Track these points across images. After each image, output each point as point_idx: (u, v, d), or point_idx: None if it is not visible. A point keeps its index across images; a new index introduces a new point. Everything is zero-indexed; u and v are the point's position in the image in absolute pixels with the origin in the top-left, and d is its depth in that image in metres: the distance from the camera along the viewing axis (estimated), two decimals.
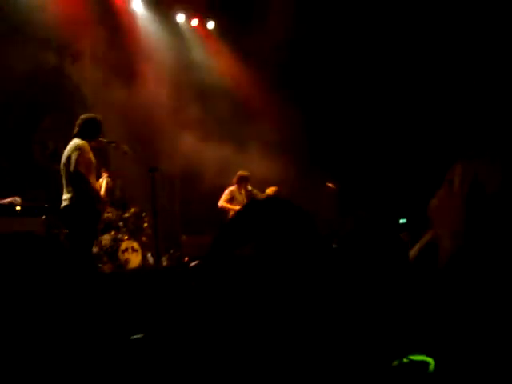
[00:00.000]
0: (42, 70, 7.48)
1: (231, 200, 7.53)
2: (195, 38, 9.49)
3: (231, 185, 7.70)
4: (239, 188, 7.65)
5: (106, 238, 6.79)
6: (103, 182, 5.48)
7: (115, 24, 8.49)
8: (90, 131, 4.98)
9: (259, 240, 1.34)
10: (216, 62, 9.42)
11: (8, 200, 6.20)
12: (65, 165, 4.87)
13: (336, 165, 8.83)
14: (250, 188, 7.62)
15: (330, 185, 8.24)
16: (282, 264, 1.30)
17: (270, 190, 7.77)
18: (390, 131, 8.88)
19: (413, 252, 1.73)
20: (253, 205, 1.60)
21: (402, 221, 7.50)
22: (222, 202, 7.54)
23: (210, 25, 9.47)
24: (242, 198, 7.60)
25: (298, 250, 1.35)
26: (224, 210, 7.56)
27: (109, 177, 5.65)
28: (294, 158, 8.91)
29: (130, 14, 8.75)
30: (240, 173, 7.68)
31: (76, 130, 4.98)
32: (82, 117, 5.06)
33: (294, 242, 1.36)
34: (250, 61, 9.08)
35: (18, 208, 6.18)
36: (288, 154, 8.86)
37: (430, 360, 1.32)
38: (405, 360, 1.31)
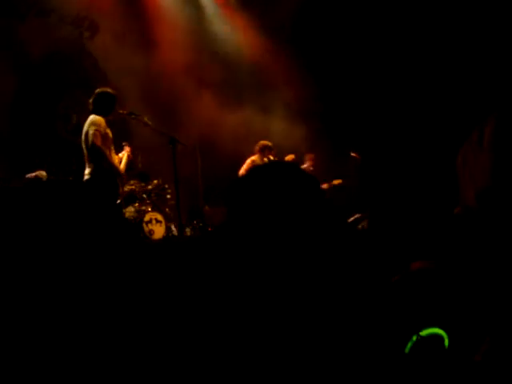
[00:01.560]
0: (62, 45, 7.51)
1: None
2: (216, 9, 9.35)
3: (253, 154, 7.66)
4: (261, 157, 7.60)
5: (130, 210, 6.89)
6: (124, 156, 5.54)
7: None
8: (104, 106, 5.02)
9: (261, 208, 1.27)
10: (236, 34, 9.28)
11: (34, 174, 6.33)
12: (83, 141, 4.95)
13: (356, 135, 8.71)
14: (272, 158, 7.57)
15: (353, 154, 8.16)
16: (288, 231, 1.24)
17: (289, 158, 7.76)
18: (413, 101, 8.70)
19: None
20: (254, 171, 1.52)
21: None
22: (242, 171, 7.54)
23: None
24: None
25: (303, 217, 1.28)
26: None
27: (130, 150, 5.70)
28: (315, 127, 8.84)
29: None
30: (262, 142, 7.63)
31: (91, 105, 5.03)
32: (96, 92, 5.10)
33: (299, 208, 1.28)
34: (270, 32, 8.91)
35: (43, 181, 6.31)
36: (309, 122, 8.79)
37: (443, 333, 1.25)
38: (414, 338, 1.22)
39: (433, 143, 8.33)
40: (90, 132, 4.82)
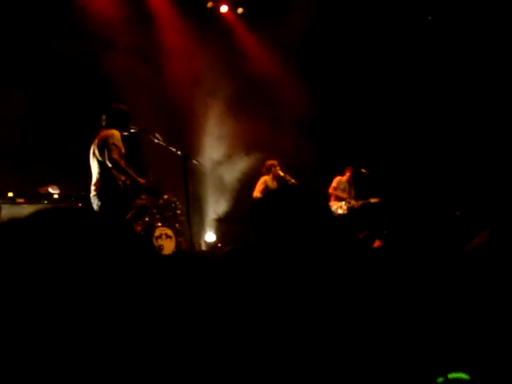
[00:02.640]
0: (74, 60, 7.62)
1: (266, 189, 7.48)
2: (224, 24, 9.45)
3: (262, 174, 7.69)
4: (271, 176, 7.63)
5: (139, 225, 6.91)
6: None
7: (146, 11, 8.55)
8: (118, 122, 5.04)
9: (276, 230, 1.33)
10: (243, 49, 9.36)
11: (46, 188, 6.39)
12: (97, 155, 4.94)
13: (357, 150, 8.70)
14: (282, 174, 7.58)
15: (363, 170, 8.17)
16: (302, 253, 1.29)
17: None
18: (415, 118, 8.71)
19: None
20: (271, 194, 1.59)
21: None
22: (255, 193, 7.53)
23: (239, 10, 9.41)
24: (274, 185, 7.60)
25: (315, 238, 1.33)
26: None
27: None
28: (322, 142, 8.88)
29: (162, 3, 8.78)
30: (267, 163, 7.69)
31: (104, 120, 5.05)
32: (111, 107, 5.14)
33: (311, 228, 1.34)
34: (276, 46, 8.98)
35: (55, 195, 6.36)
36: (316, 137, 8.83)
37: (466, 376, 1.20)
38: (440, 379, 1.19)
39: (440, 156, 8.32)
40: (110, 146, 4.82)
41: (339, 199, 8.13)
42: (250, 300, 1.13)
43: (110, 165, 4.85)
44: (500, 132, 7.96)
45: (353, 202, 8.09)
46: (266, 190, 7.42)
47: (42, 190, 6.38)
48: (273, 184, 7.58)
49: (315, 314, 1.14)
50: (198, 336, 0.98)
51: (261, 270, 1.22)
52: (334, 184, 8.20)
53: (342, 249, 1.34)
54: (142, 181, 5.10)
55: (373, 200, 8.08)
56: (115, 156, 4.81)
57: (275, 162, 7.66)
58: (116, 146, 4.85)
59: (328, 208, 1.47)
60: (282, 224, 1.33)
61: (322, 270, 1.24)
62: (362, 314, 1.21)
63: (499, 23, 7.68)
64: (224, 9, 9.39)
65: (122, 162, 4.89)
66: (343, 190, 8.21)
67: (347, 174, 8.24)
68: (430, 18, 8.93)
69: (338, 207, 8.02)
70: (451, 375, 1.20)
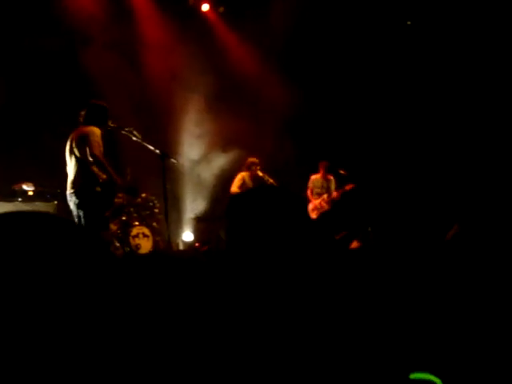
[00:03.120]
0: (51, 56, 7.50)
1: (244, 185, 7.52)
2: (205, 23, 9.41)
3: (241, 170, 7.69)
4: (249, 173, 7.63)
5: (116, 223, 6.84)
6: None
7: (126, 8, 8.47)
8: (97, 118, 4.98)
9: (253, 230, 1.33)
10: (224, 48, 9.34)
11: (20, 184, 6.27)
12: (76, 150, 4.86)
13: (337, 151, 8.75)
14: (261, 174, 7.59)
15: (342, 172, 8.21)
16: (277, 255, 1.29)
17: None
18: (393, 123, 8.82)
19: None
20: (250, 192, 1.60)
21: None
22: (234, 188, 7.53)
23: (220, 9, 9.38)
24: (251, 184, 7.60)
25: (292, 240, 1.33)
26: None
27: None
28: (303, 141, 8.91)
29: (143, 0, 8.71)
30: (249, 159, 7.69)
31: (83, 116, 4.98)
32: (89, 103, 5.07)
33: (288, 231, 1.34)
34: (257, 45, 8.99)
35: (30, 193, 6.25)
36: (297, 136, 8.87)
37: (437, 380, 1.20)
38: (411, 377, 1.20)
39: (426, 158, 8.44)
40: (90, 142, 4.74)
41: (318, 195, 8.13)
42: (225, 300, 1.12)
43: (91, 160, 4.77)
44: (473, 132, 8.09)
45: (333, 194, 8.12)
46: (244, 186, 7.46)
47: (16, 187, 6.26)
48: (249, 182, 7.59)
49: (290, 313, 1.14)
50: (170, 334, 0.97)
51: (235, 271, 1.22)
52: (309, 184, 8.23)
53: (315, 251, 1.35)
54: (119, 180, 5.03)
55: (348, 187, 8.07)
56: (97, 152, 4.74)
57: (256, 161, 7.66)
58: (97, 142, 4.78)
59: (304, 212, 1.48)
60: (257, 225, 1.33)
61: (295, 272, 1.25)
62: (335, 313, 1.21)
63: (489, 22, 7.78)
64: (205, 7, 9.36)
65: (104, 159, 4.83)
66: (320, 188, 8.23)
67: (321, 171, 8.22)
68: (408, 22, 9.03)
69: (318, 203, 8.04)
70: (416, 375, 1.21)
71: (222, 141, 8.90)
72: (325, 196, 8.09)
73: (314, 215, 8.03)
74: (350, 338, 1.21)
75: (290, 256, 1.31)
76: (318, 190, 8.21)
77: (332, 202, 8.08)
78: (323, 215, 8.04)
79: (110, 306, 0.90)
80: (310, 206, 8.08)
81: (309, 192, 8.21)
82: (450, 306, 1.41)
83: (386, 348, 1.25)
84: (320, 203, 8.05)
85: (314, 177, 8.27)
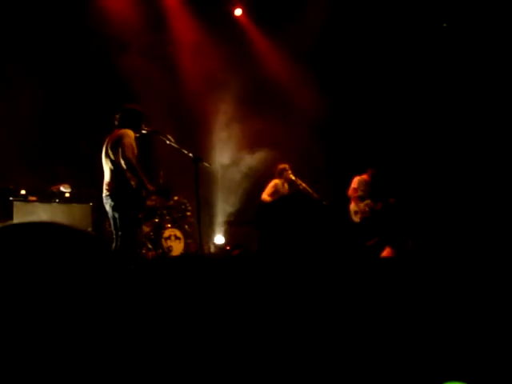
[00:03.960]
0: (88, 61, 7.69)
1: (275, 193, 7.42)
2: (237, 27, 9.49)
3: (274, 178, 7.67)
4: (281, 180, 7.60)
5: (149, 225, 6.95)
6: None
7: (160, 13, 8.62)
8: (131, 122, 5.01)
9: (287, 237, 1.33)
10: (256, 51, 9.39)
11: (58, 186, 6.45)
12: (111, 153, 4.92)
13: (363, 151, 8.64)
14: (293, 178, 7.54)
15: (391, 200, 7.99)
16: (308, 261, 1.30)
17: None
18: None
19: None
20: (282, 200, 1.61)
21: None
22: (265, 196, 7.50)
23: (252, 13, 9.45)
24: (285, 190, 7.56)
25: (323, 247, 1.33)
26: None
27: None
28: (331, 144, 8.88)
29: (176, 5, 8.85)
30: (279, 166, 7.66)
31: (118, 120, 5.04)
32: (124, 107, 5.14)
33: (319, 237, 1.34)
34: (289, 49, 9.00)
35: (67, 194, 6.42)
36: (326, 139, 8.84)
37: None
38: None
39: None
40: (125, 144, 4.77)
41: (361, 199, 7.85)
42: (253, 304, 1.14)
43: (123, 163, 4.82)
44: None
45: (378, 204, 7.88)
46: (276, 194, 7.40)
47: (54, 189, 6.44)
48: (284, 188, 7.55)
49: (314, 318, 1.15)
50: (199, 336, 0.99)
51: (264, 276, 1.24)
52: (354, 185, 7.87)
53: (344, 260, 1.35)
54: (150, 187, 5.02)
55: (392, 200, 7.88)
56: (129, 155, 4.77)
57: (287, 166, 7.63)
58: (130, 144, 4.83)
59: (337, 222, 1.48)
60: (286, 232, 1.34)
61: (322, 279, 1.26)
62: (360, 320, 1.22)
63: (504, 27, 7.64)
64: (238, 12, 9.44)
65: (135, 162, 4.88)
66: (364, 191, 7.89)
67: (368, 175, 7.91)
68: (444, 24, 8.89)
69: (363, 207, 7.81)
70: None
71: (253, 144, 8.94)
72: (368, 201, 7.81)
73: (356, 218, 7.82)
74: (377, 345, 1.21)
75: (318, 263, 1.32)
76: (362, 193, 7.92)
77: (373, 210, 7.81)
78: (365, 220, 7.84)
79: (118, 308, 0.93)
80: (353, 208, 7.86)
81: (352, 192, 7.88)
82: (482, 317, 1.39)
83: (418, 358, 1.24)
84: (364, 208, 7.77)
85: (358, 178, 7.91)
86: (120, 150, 4.79)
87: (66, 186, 6.45)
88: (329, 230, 1.38)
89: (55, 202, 6.30)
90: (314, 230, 1.35)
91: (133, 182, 4.88)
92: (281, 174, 7.58)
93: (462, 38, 8.40)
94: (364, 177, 7.94)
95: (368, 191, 7.89)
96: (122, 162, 4.81)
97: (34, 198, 6.20)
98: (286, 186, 7.59)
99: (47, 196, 6.32)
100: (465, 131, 8.26)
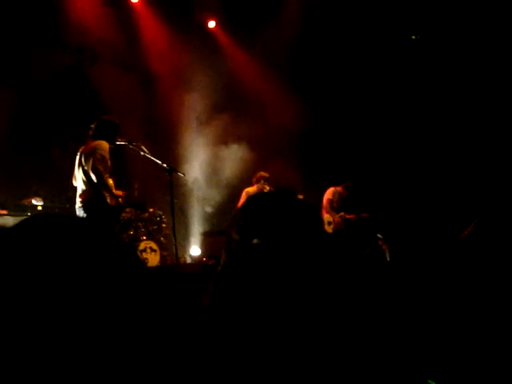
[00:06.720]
0: (60, 73, 7.61)
1: None
2: (211, 40, 9.52)
3: (250, 185, 7.68)
4: (258, 187, 7.60)
5: (124, 238, 6.86)
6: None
7: (133, 26, 8.60)
8: (107, 133, 5.00)
9: (264, 234, 1.30)
10: (231, 63, 9.42)
11: (30, 199, 6.33)
12: (84, 164, 4.91)
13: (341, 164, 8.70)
14: (268, 188, 7.58)
15: (363, 215, 7.98)
16: (288, 258, 1.27)
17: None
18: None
19: None
20: (252, 199, 1.56)
21: None
22: (240, 206, 7.44)
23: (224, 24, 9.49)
24: None
25: (303, 242, 1.31)
26: None
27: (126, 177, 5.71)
28: (309, 157, 8.92)
29: (148, 16, 8.84)
30: (259, 173, 7.69)
31: (93, 131, 5.02)
32: (100, 118, 5.11)
33: (299, 235, 1.31)
34: (263, 59, 9.05)
35: (39, 207, 6.31)
36: (302, 152, 8.89)
37: None
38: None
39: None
40: (97, 156, 4.77)
41: (336, 210, 7.78)
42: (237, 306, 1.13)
43: (92, 175, 4.82)
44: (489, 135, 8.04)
45: (351, 216, 7.80)
46: None
47: (25, 202, 6.32)
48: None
49: (301, 320, 1.15)
50: (180, 346, 0.99)
51: (247, 277, 1.23)
52: (329, 196, 7.82)
53: (330, 258, 1.34)
54: (119, 194, 5.03)
55: (363, 215, 7.85)
56: (100, 167, 4.77)
57: (266, 175, 7.63)
58: (103, 156, 4.81)
59: (320, 221, 1.47)
60: (270, 226, 1.31)
61: (307, 277, 1.25)
62: (354, 318, 1.22)
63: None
64: (212, 24, 9.48)
65: (106, 175, 4.86)
66: (338, 203, 7.80)
67: (343, 187, 7.85)
68: (413, 37, 9.08)
69: (337, 219, 7.75)
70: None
71: (229, 156, 8.95)
72: (342, 213, 7.73)
73: (329, 229, 7.76)
74: (363, 341, 1.21)
75: (301, 259, 1.30)
76: (335, 205, 7.83)
77: (346, 222, 7.73)
78: (337, 232, 7.79)
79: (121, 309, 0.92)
80: (327, 218, 7.77)
81: (327, 203, 7.81)
82: (461, 306, 1.41)
83: (403, 354, 1.25)
84: (337, 220, 7.70)
85: (333, 189, 7.86)
86: (91, 161, 4.78)
87: (38, 198, 6.33)
88: (315, 227, 1.36)
89: (27, 215, 6.17)
90: (300, 225, 1.33)
91: (106, 194, 4.85)
92: (258, 181, 7.58)
93: (437, 50, 8.57)
94: (339, 189, 7.87)
95: (342, 203, 7.85)
96: (92, 173, 4.79)
97: (4, 212, 6.08)
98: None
99: (19, 209, 6.20)
100: (442, 146, 8.39)
